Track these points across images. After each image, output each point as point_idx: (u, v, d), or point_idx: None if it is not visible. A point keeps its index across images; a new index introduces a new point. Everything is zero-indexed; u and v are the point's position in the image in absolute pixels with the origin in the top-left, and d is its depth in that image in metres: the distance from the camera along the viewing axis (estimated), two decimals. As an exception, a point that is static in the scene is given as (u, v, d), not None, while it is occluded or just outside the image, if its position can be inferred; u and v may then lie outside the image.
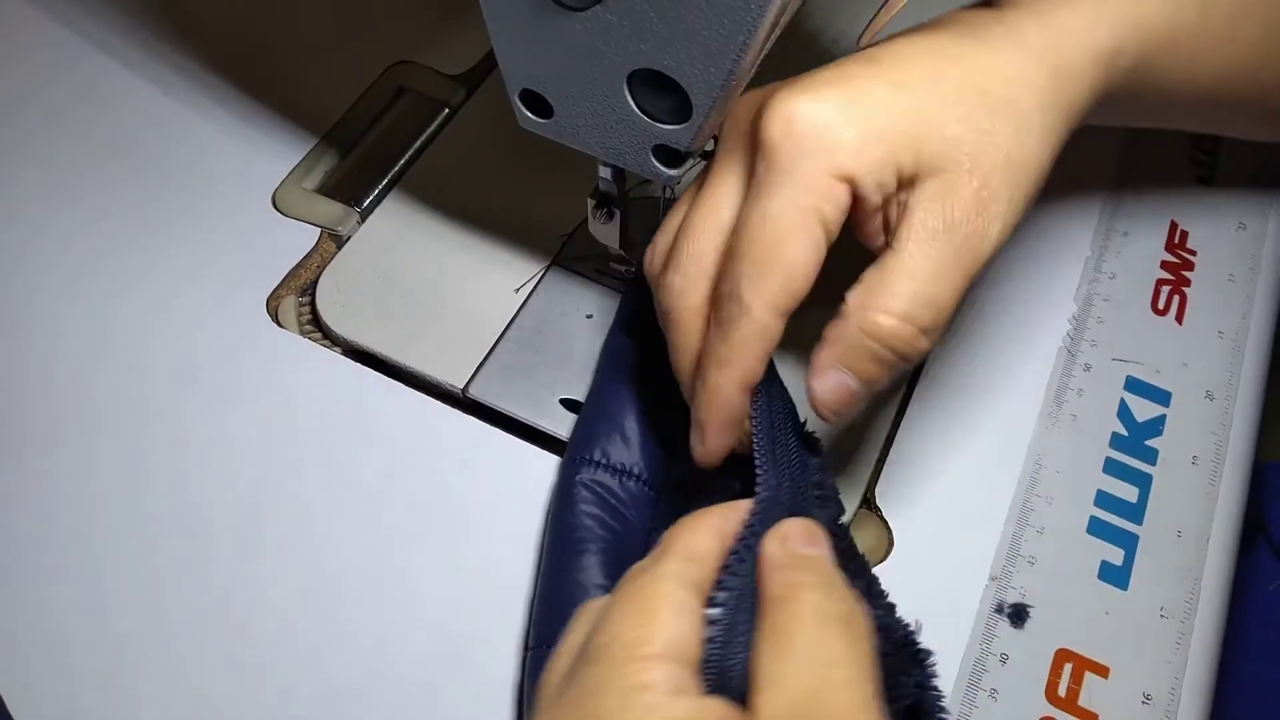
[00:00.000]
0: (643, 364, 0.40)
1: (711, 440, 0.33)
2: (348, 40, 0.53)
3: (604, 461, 0.38)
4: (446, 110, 0.51)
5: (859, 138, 0.31)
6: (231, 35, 0.53)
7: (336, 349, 0.43)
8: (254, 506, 0.39)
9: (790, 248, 0.31)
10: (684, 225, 0.34)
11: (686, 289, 0.34)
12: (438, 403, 0.42)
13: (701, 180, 0.35)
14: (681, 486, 0.37)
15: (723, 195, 0.34)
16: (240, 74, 0.51)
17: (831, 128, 0.31)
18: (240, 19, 0.53)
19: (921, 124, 0.31)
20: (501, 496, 0.40)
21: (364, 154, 0.49)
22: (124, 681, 0.36)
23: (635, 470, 0.38)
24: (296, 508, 0.39)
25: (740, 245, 0.32)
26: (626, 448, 0.38)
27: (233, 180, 0.47)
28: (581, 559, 0.36)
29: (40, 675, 0.35)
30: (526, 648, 0.36)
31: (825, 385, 0.32)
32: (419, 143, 0.49)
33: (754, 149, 0.32)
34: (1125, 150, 0.50)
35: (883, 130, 0.31)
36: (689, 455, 0.34)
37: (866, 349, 0.31)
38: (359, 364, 0.43)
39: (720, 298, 0.32)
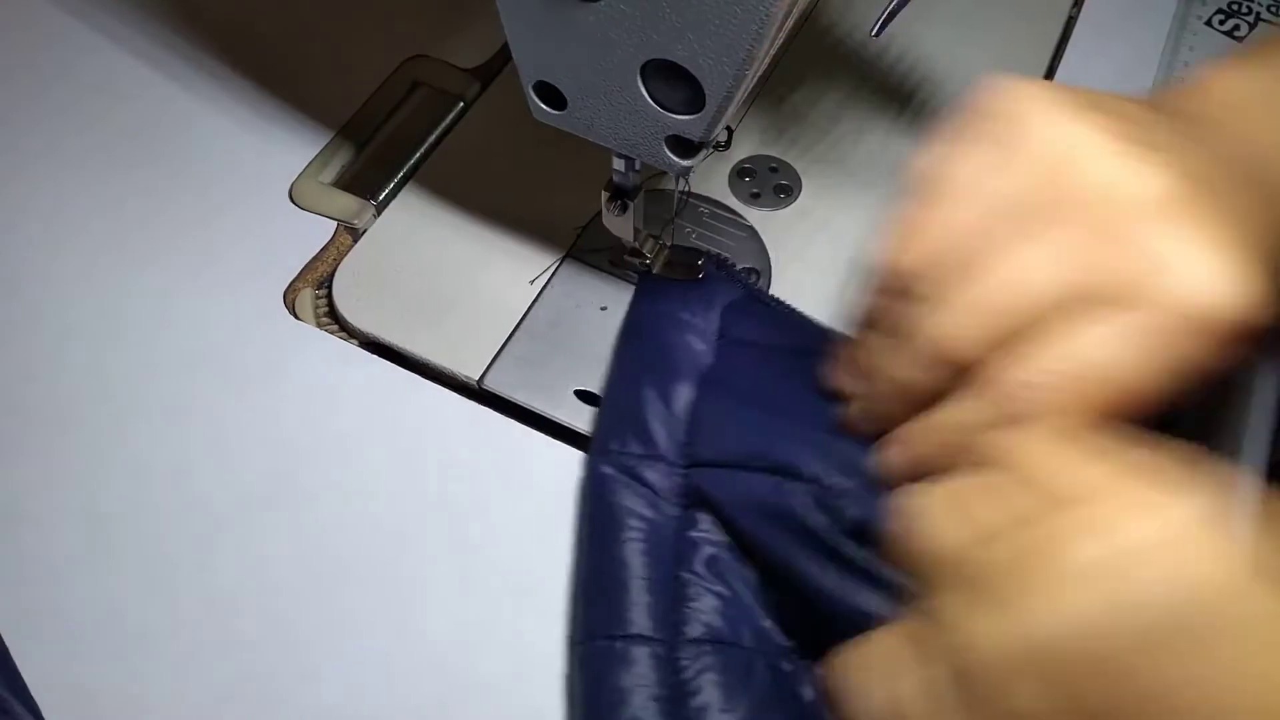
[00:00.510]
0: (660, 349, 0.40)
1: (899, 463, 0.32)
2: (363, 34, 0.53)
3: (632, 450, 0.38)
4: (461, 104, 0.51)
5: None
6: (248, 29, 0.53)
7: (353, 341, 0.44)
8: (267, 497, 0.39)
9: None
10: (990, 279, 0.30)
11: (961, 339, 0.30)
12: (453, 394, 0.42)
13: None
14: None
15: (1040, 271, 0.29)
16: (257, 67, 0.51)
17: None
18: (256, 13, 0.54)
19: None
20: (516, 488, 0.40)
21: (380, 148, 0.49)
22: (136, 669, 0.36)
23: (665, 454, 0.38)
24: (310, 499, 0.39)
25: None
26: (652, 433, 0.38)
27: (250, 173, 0.48)
28: (624, 549, 0.36)
29: (54, 661, 0.36)
30: (574, 642, 0.36)
31: None
32: (434, 136, 0.50)
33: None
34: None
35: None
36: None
37: None
38: (375, 355, 0.43)
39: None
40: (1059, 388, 0.29)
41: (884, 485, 0.33)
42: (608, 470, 0.38)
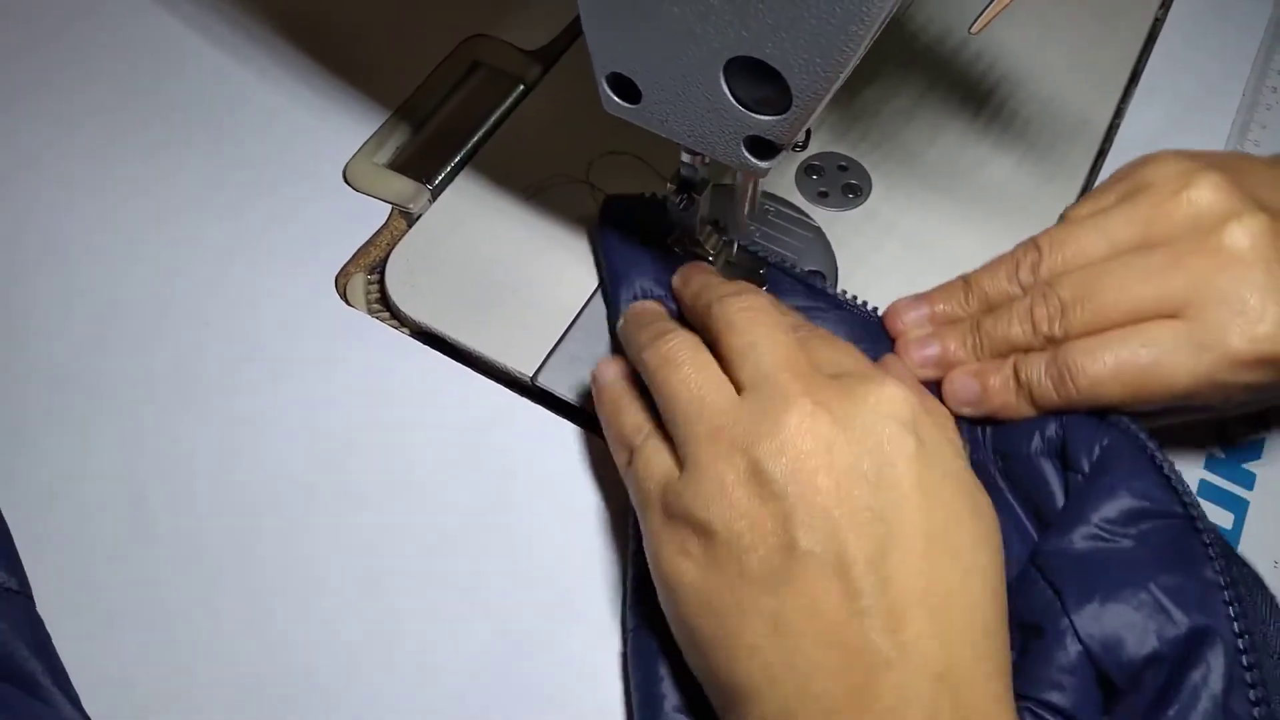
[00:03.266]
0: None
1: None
2: (423, 12, 0.52)
3: None
4: (522, 86, 0.49)
5: None
6: (304, 3, 0.52)
7: (404, 330, 0.43)
8: (312, 486, 0.38)
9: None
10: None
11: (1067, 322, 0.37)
12: (505, 389, 0.41)
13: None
14: None
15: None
16: (313, 43, 0.50)
17: None
18: (315, -14, 0.52)
19: None
20: (566, 488, 0.39)
21: (437, 129, 0.48)
22: (174, 658, 0.35)
23: None
24: (356, 489, 0.38)
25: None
26: None
27: (304, 152, 0.47)
28: None
29: (93, 648, 0.35)
30: (626, 630, 0.35)
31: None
32: (493, 119, 0.48)
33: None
34: None
35: None
36: None
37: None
38: (426, 346, 0.42)
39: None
40: (1109, 372, 0.35)
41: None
42: None
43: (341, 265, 0.44)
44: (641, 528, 0.33)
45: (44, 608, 0.35)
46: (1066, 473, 0.36)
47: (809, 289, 0.42)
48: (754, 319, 0.34)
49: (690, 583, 0.31)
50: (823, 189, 0.46)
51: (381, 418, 0.40)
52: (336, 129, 0.47)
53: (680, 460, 0.32)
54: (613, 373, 0.37)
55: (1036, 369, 0.37)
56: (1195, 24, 0.53)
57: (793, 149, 0.35)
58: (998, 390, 0.37)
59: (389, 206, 0.45)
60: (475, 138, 0.47)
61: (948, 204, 0.46)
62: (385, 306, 0.43)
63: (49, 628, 0.35)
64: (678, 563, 0.31)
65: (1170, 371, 0.35)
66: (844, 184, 0.46)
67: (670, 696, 0.33)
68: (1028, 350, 0.37)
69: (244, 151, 0.46)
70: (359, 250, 0.44)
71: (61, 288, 0.43)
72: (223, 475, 0.39)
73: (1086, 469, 0.35)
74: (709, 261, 0.42)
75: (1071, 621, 0.32)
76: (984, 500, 0.32)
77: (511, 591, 0.37)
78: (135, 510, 0.38)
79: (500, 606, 0.36)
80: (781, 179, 0.46)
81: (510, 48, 0.50)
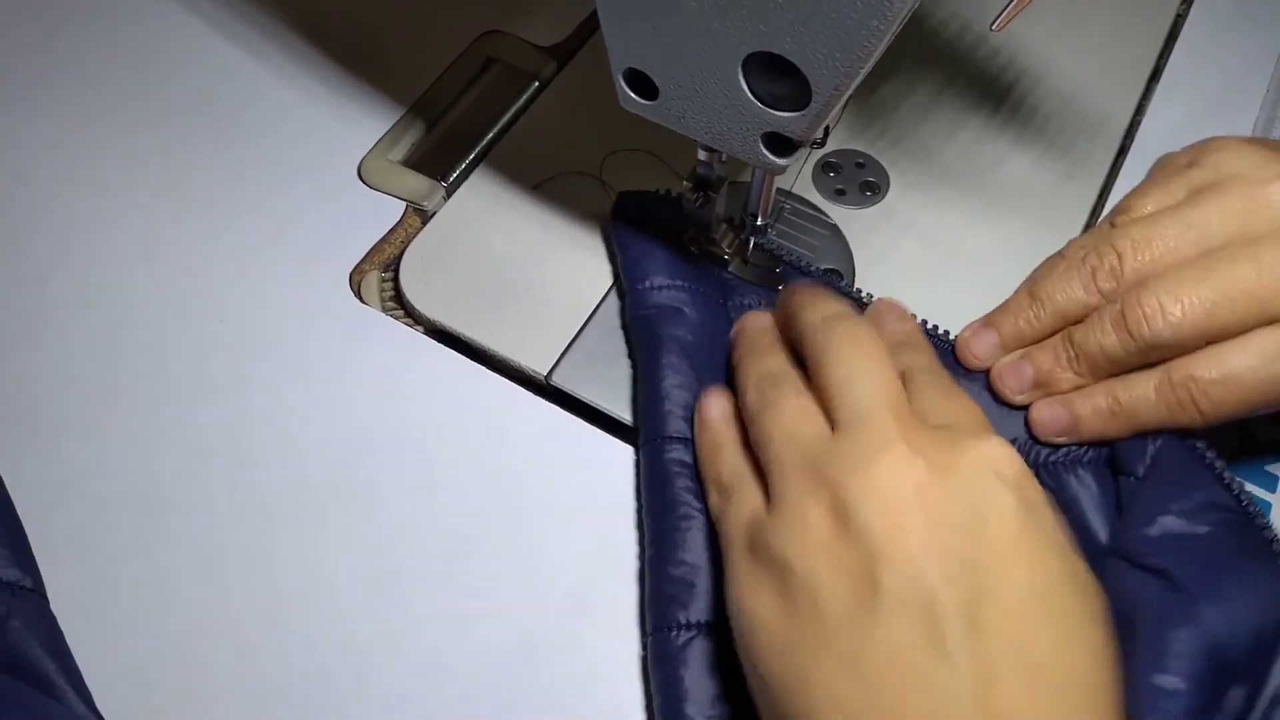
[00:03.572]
0: (690, 333, 0.39)
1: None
2: (437, 8, 0.51)
3: (684, 436, 0.37)
4: (537, 83, 0.49)
5: None
6: (321, 1, 0.52)
7: (418, 327, 0.42)
8: (324, 484, 0.38)
9: None
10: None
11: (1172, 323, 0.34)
12: (519, 388, 0.41)
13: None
14: None
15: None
16: (328, 41, 0.50)
17: None
18: (329, -18, 0.52)
19: None
20: (581, 488, 0.38)
21: (451, 126, 0.48)
22: (188, 657, 0.35)
23: None
24: (368, 488, 0.38)
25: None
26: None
27: (318, 149, 0.46)
28: (687, 536, 0.35)
29: (106, 646, 0.35)
30: (645, 634, 0.35)
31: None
32: (508, 116, 0.48)
33: None
34: None
35: None
36: None
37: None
38: (440, 344, 0.42)
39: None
40: (1243, 387, 0.33)
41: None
42: (669, 456, 0.37)
43: (356, 263, 0.43)
44: (725, 569, 0.32)
45: (58, 606, 0.35)
46: (1119, 478, 0.35)
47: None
48: (857, 349, 0.32)
49: (765, 622, 0.29)
50: (840, 186, 0.46)
51: (395, 416, 0.40)
52: (351, 126, 0.47)
53: (769, 499, 0.31)
54: (718, 411, 0.36)
55: (1144, 391, 0.34)
56: (1217, 20, 0.52)
57: (811, 146, 0.35)
58: (1090, 417, 0.35)
59: (403, 204, 0.45)
60: (490, 135, 0.47)
61: (966, 202, 0.45)
62: (399, 304, 0.43)
63: (63, 626, 0.35)
64: (754, 601, 0.30)
65: None
66: (861, 181, 0.46)
67: (692, 698, 0.33)
68: (1126, 365, 0.35)
69: (259, 149, 0.46)
70: (373, 248, 0.44)
71: (75, 286, 0.42)
72: (237, 473, 0.38)
73: (1141, 472, 0.34)
74: (724, 260, 0.42)
75: (1187, 605, 0.30)
76: (1091, 581, 0.29)
77: (526, 591, 0.36)
78: (149, 508, 0.38)
79: (515, 606, 0.36)
80: (798, 176, 0.46)
81: (525, 44, 0.50)
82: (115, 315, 0.42)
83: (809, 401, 0.32)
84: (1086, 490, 0.35)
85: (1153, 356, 0.35)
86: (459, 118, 0.48)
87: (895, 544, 0.28)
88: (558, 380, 0.40)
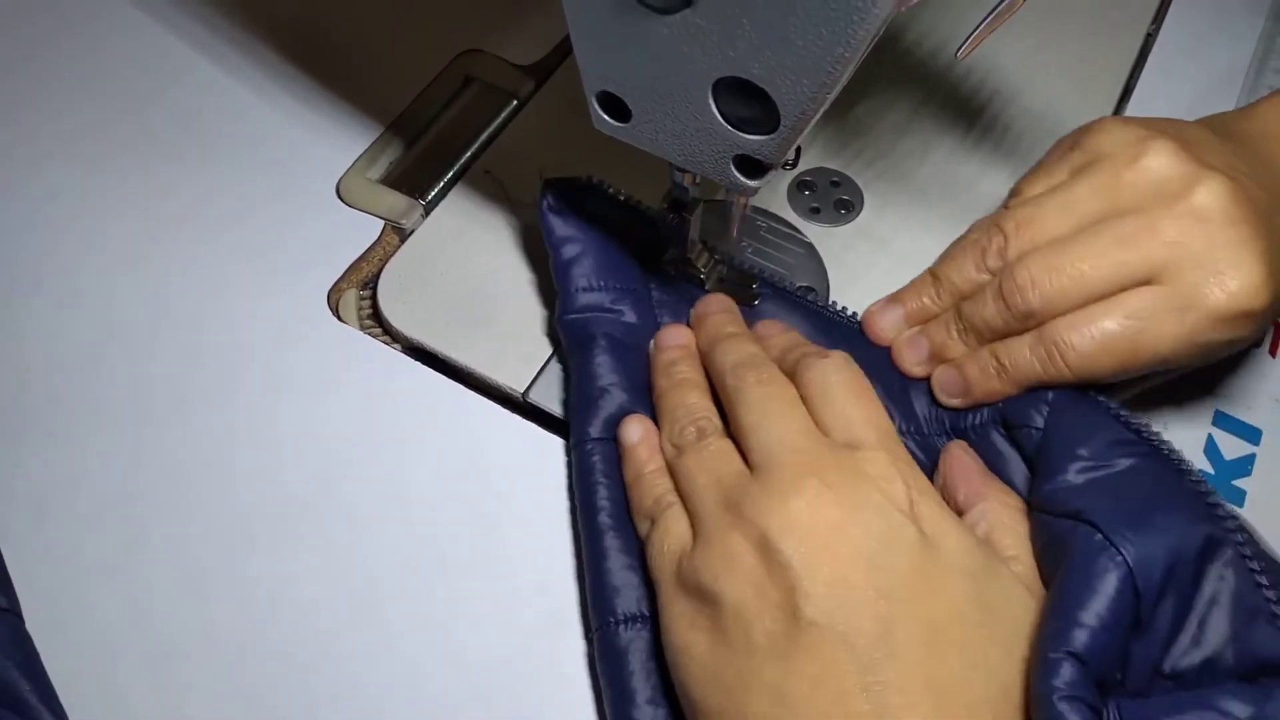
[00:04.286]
0: (619, 334, 0.40)
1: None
2: (415, 27, 0.52)
3: (611, 438, 0.38)
4: (515, 102, 0.49)
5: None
6: (298, 18, 0.52)
7: (396, 346, 0.43)
8: (303, 502, 0.38)
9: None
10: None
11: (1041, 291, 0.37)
12: (497, 406, 0.41)
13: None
14: None
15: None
16: (307, 57, 0.50)
17: None
18: (307, 1, 0.52)
19: None
20: (558, 503, 0.39)
21: (430, 145, 0.48)
22: (165, 675, 0.35)
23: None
24: (346, 506, 0.38)
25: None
26: (626, 417, 0.38)
27: (296, 167, 0.47)
28: (614, 535, 0.36)
29: (82, 665, 0.35)
30: (590, 630, 0.35)
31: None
32: (486, 134, 0.48)
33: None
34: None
35: None
36: None
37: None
38: (418, 362, 0.42)
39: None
40: (1098, 345, 0.36)
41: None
42: (595, 457, 0.37)
43: (334, 281, 0.44)
44: (658, 600, 0.34)
45: (34, 625, 0.35)
46: (1013, 432, 0.37)
47: (802, 306, 0.42)
48: (765, 395, 0.35)
49: (699, 655, 0.31)
50: (815, 204, 0.46)
51: (373, 433, 0.40)
52: (330, 144, 0.47)
53: (695, 533, 0.33)
54: (637, 435, 0.37)
55: (1020, 351, 0.37)
56: (1187, 39, 0.53)
57: (783, 167, 0.35)
58: (979, 378, 0.38)
59: (382, 222, 0.45)
60: (468, 153, 0.48)
61: (940, 219, 0.46)
62: (377, 322, 0.43)
63: (39, 646, 0.35)
64: (688, 635, 0.32)
65: (1156, 337, 0.35)
66: (836, 199, 0.46)
67: (641, 689, 0.33)
68: (1006, 333, 0.37)
69: (238, 167, 0.47)
70: (351, 266, 0.44)
71: (55, 303, 0.43)
72: (215, 489, 0.39)
73: (1041, 423, 0.36)
74: (700, 280, 0.42)
75: (1110, 540, 0.31)
76: (1002, 596, 0.31)
77: (503, 607, 0.37)
78: (124, 524, 0.38)
79: (491, 622, 0.36)
80: (774, 194, 0.46)
81: (503, 63, 0.51)
82: (94, 332, 0.42)
83: (728, 444, 0.35)
84: (1004, 449, 0.37)
85: (1030, 324, 0.37)
86: (437, 136, 0.48)
87: (813, 577, 0.30)
88: (535, 398, 0.41)
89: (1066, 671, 0.29)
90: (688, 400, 0.37)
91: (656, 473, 0.36)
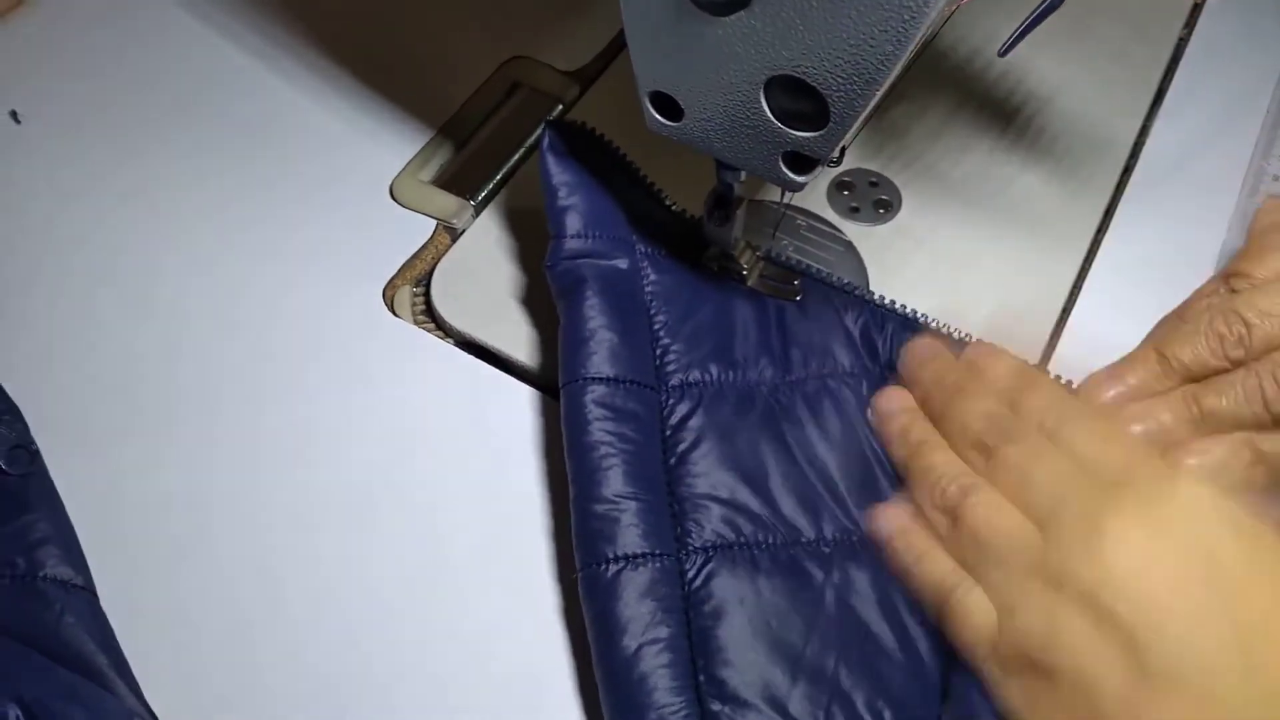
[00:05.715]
0: (611, 278, 0.41)
1: None
2: (464, 34, 0.54)
3: (604, 376, 0.38)
4: (560, 106, 0.51)
5: None
6: (352, 28, 0.54)
7: (449, 340, 0.44)
8: (367, 492, 0.40)
9: None
10: None
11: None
12: (547, 397, 0.42)
13: None
14: None
15: None
16: (360, 66, 0.52)
17: None
18: (361, 11, 0.54)
19: None
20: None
21: (479, 148, 0.49)
22: (239, 656, 0.36)
23: (634, 377, 0.39)
24: (407, 496, 0.40)
25: None
26: (618, 356, 0.39)
27: (353, 171, 0.48)
28: (608, 474, 0.36)
29: (157, 645, 0.36)
30: (575, 570, 0.36)
31: None
32: (533, 138, 0.50)
33: None
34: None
35: None
36: None
37: None
38: (471, 356, 0.43)
39: None
40: None
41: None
42: (589, 397, 0.38)
43: (389, 278, 0.45)
44: (990, 686, 0.32)
45: (108, 604, 0.37)
46: None
47: (846, 297, 0.43)
48: (1022, 455, 0.33)
49: None
50: (854, 204, 0.47)
51: (428, 423, 0.41)
52: (383, 148, 0.49)
53: (998, 603, 0.32)
54: (899, 521, 0.36)
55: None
56: (1220, 42, 0.54)
57: (829, 164, 0.36)
58: (1233, 467, 0.36)
59: (434, 222, 0.47)
60: (516, 156, 0.49)
61: (976, 219, 0.47)
62: (430, 318, 0.45)
63: (113, 624, 0.36)
64: (1032, 713, 0.30)
65: None
66: (875, 199, 0.48)
67: (629, 628, 0.34)
68: (1249, 426, 0.36)
69: (299, 171, 0.48)
70: (405, 264, 0.46)
71: (132, 301, 0.45)
72: (282, 477, 0.40)
73: None
74: (742, 276, 0.43)
75: None
76: None
77: (561, 590, 0.38)
78: (194, 510, 0.39)
79: (550, 603, 0.38)
80: (813, 194, 0.47)
81: (549, 69, 0.52)
82: (170, 330, 0.44)
83: (996, 495, 0.33)
84: None
85: None
86: (486, 140, 0.50)
87: (1148, 621, 0.28)
88: (584, 390, 0.42)
89: None
90: (935, 462, 0.36)
91: (933, 547, 0.34)
